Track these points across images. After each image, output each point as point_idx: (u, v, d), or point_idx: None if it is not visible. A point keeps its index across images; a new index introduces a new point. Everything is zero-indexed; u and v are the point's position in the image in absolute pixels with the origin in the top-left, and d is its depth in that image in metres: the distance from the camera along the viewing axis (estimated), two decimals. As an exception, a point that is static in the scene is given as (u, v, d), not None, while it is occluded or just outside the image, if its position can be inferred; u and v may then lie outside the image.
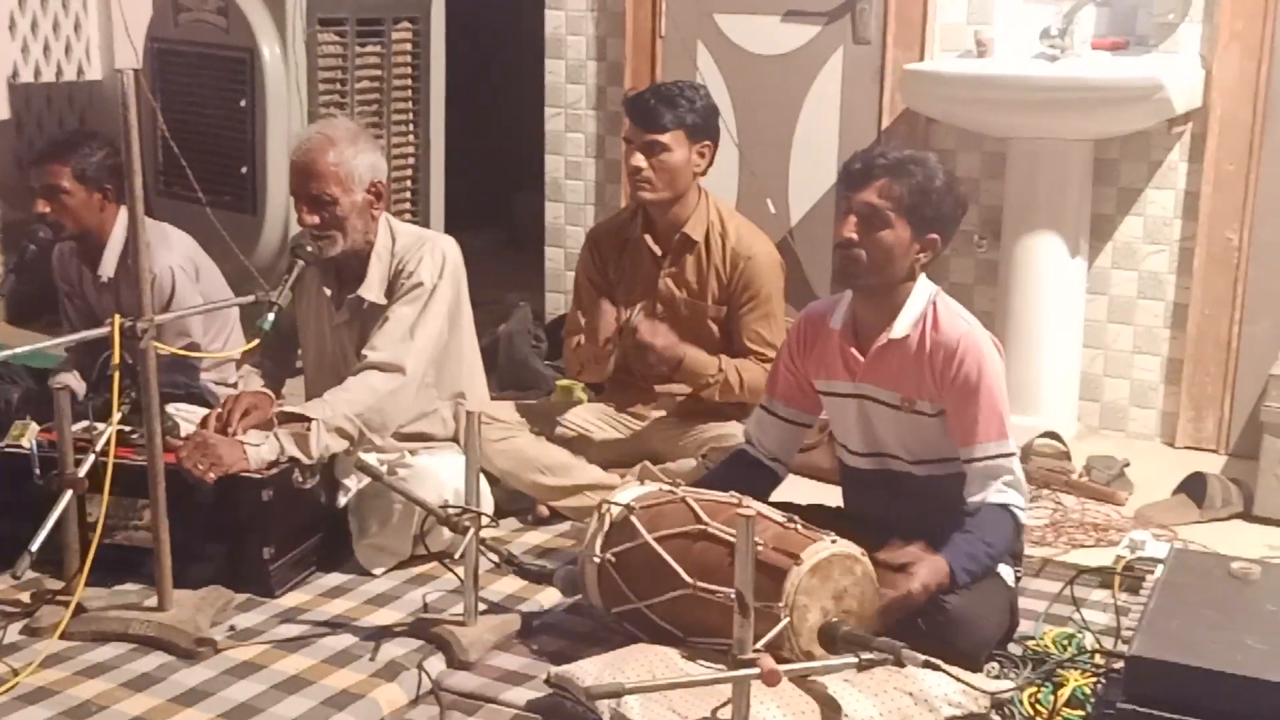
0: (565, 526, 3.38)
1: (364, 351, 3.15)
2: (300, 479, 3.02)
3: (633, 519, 2.66)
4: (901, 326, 2.70)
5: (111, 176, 3.51)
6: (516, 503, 3.44)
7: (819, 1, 4.20)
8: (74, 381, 3.57)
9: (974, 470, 2.65)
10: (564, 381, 4.03)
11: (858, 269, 2.67)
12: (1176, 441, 4.00)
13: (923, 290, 2.73)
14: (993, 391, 2.64)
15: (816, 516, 2.65)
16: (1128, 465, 3.68)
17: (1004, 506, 2.63)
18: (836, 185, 2.81)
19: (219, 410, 3.11)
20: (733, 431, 3.35)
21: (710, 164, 3.43)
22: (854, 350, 2.77)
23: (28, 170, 3.60)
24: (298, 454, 2.98)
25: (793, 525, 2.52)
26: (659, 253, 3.46)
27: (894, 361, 2.72)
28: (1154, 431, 4.05)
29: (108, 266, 3.63)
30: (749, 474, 2.91)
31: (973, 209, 4.15)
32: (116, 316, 2.63)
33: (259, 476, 2.93)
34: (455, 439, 3.33)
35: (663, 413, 3.52)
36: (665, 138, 3.32)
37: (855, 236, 2.64)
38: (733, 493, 2.68)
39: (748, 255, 3.39)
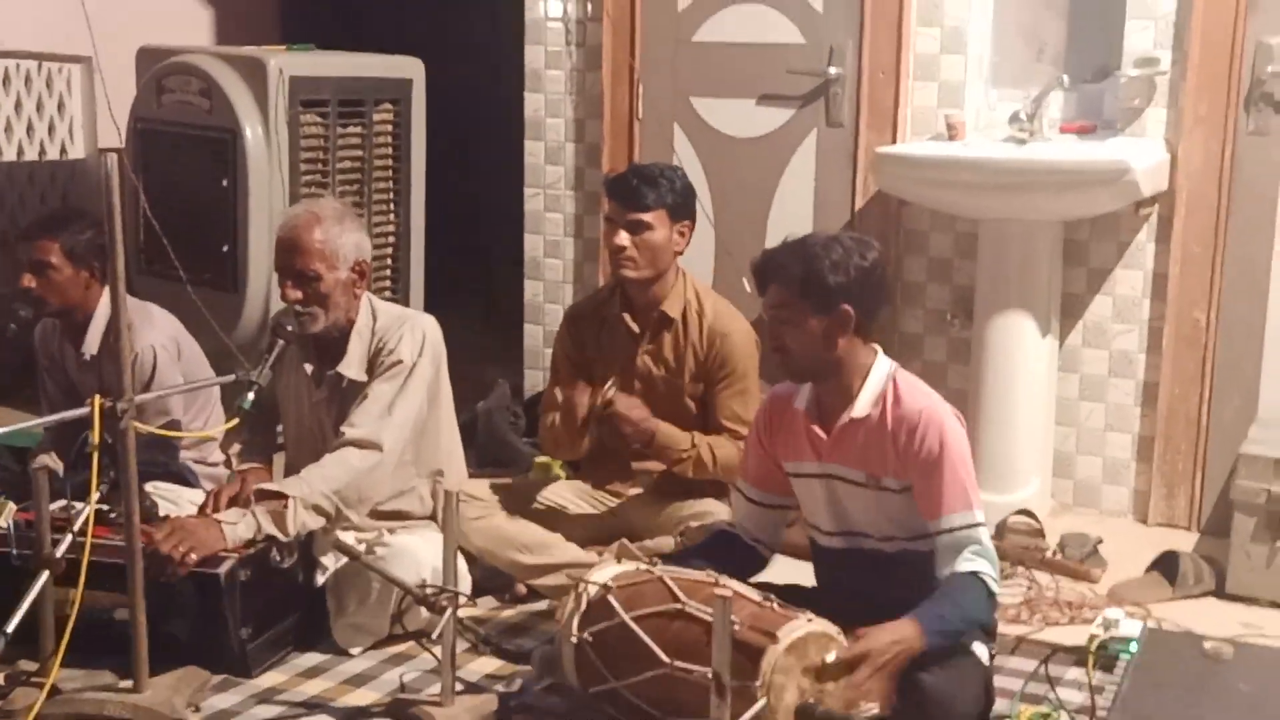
0: (542, 605, 3.38)
1: (342, 428, 3.17)
2: (278, 557, 3.02)
3: (610, 598, 2.67)
4: (862, 405, 2.74)
5: (99, 255, 3.54)
6: (494, 581, 3.45)
7: (793, 85, 4.28)
8: (51, 460, 3.57)
9: (942, 542, 2.66)
10: (541, 459, 4.03)
11: (788, 366, 2.76)
12: (1149, 519, 4.04)
13: (881, 368, 2.76)
14: (956, 463, 2.67)
15: (793, 596, 2.66)
16: (1101, 542, 3.71)
17: (973, 574, 2.64)
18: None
19: (223, 492, 3.12)
20: (710, 509, 3.37)
21: (688, 243, 3.49)
22: (818, 430, 2.79)
23: (15, 244, 3.63)
24: (275, 532, 2.98)
25: (769, 604, 2.53)
26: (637, 330, 3.50)
27: (858, 439, 2.75)
28: (1126, 508, 4.09)
29: (91, 344, 3.64)
30: (732, 555, 2.91)
31: (945, 288, 4.22)
32: (97, 397, 2.64)
33: (236, 556, 2.93)
34: (433, 517, 3.34)
35: (640, 490, 3.54)
36: (648, 217, 3.37)
37: (774, 341, 2.74)
38: (709, 571, 2.69)
39: (724, 333, 3.43)
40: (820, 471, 2.81)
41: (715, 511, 3.36)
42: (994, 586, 2.67)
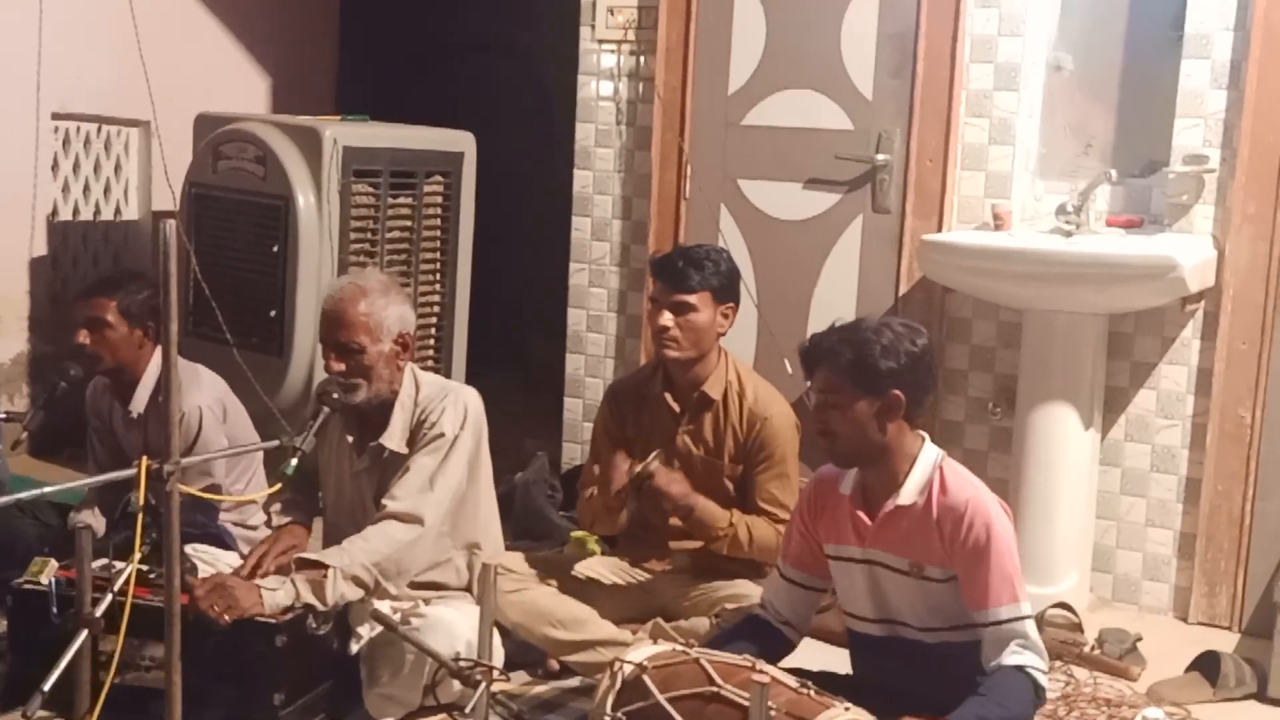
0: (575, 682, 3.37)
1: (384, 500, 3.18)
2: (314, 625, 3.03)
3: (645, 678, 2.65)
4: (908, 493, 2.73)
5: (153, 315, 3.60)
6: (527, 655, 3.44)
7: (840, 171, 4.32)
8: (93, 519, 3.61)
9: (988, 635, 2.65)
10: (578, 533, 4.02)
11: (834, 450, 2.76)
12: (1190, 617, 3.99)
13: (928, 455, 2.76)
14: (1003, 554, 2.66)
15: (828, 684, 2.64)
16: (1140, 639, 3.66)
17: (1019, 668, 2.61)
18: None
19: (255, 550, 3.14)
20: (745, 591, 3.36)
21: (732, 325, 3.50)
22: (862, 516, 2.79)
23: (73, 303, 3.68)
24: (313, 601, 2.99)
25: (806, 691, 2.51)
26: (678, 410, 3.50)
27: (902, 527, 2.74)
28: (1167, 605, 4.04)
29: (139, 403, 3.69)
30: (761, 639, 2.90)
31: (987, 377, 4.22)
32: (144, 459, 2.66)
33: (273, 621, 2.94)
34: (468, 589, 3.34)
35: (675, 568, 3.53)
36: (693, 298, 3.39)
37: (821, 424, 2.74)
38: (746, 655, 2.68)
39: (765, 416, 3.43)
40: (863, 557, 2.80)
41: (750, 594, 3.34)
42: (1041, 680, 2.64)
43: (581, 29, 4.71)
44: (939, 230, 4.17)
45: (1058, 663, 3.57)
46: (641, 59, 4.63)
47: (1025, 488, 3.90)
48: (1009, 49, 4.11)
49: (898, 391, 2.69)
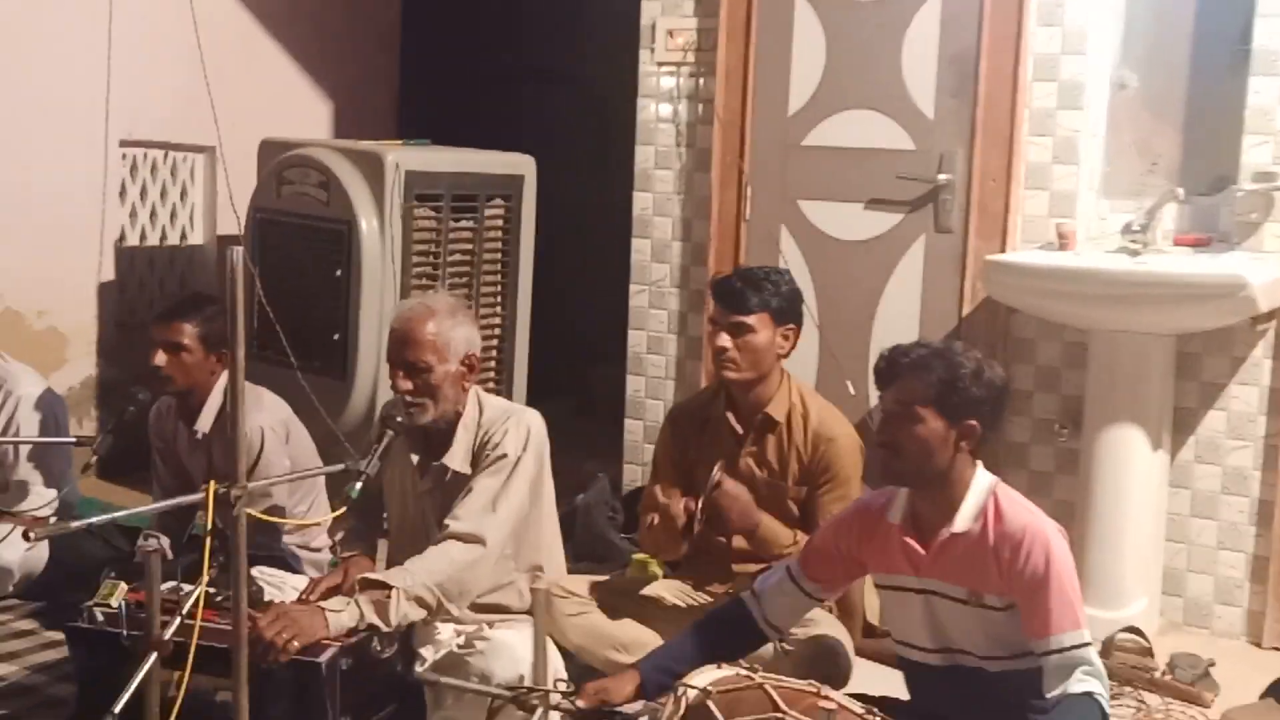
0: (638, 705, 3.34)
1: (446, 521, 3.18)
2: (378, 647, 3.03)
3: (709, 704, 2.62)
4: (963, 520, 2.69)
5: (228, 342, 3.62)
6: (590, 679, 3.42)
7: (902, 191, 4.29)
8: (160, 542, 3.64)
9: (1050, 663, 2.60)
10: (640, 556, 4.02)
11: (895, 465, 2.70)
12: (1264, 641, 3.92)
13: (981, 482, 2.72)
14: (1063, 581, 2.61)
15: (890, 710, 2.61)
16: (1213, 664, 3.60)
17: (1087, 694, 2.57)
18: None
19: (324, 581, 3.16)
20: (810, 615, 3.33)
21: (794, 347, 3.49)
22: (915, 544, 2.74)
23: (151, 325, 3.74)
24: (377, 622, 2.99)
25: (872, 717, 2.49)
26: (740, 432, 3.49)
27: (958, 555, 2.70)
28: (1240, 630, 3.97)
29: (204, 423, 3.73)
30: (735, 632, 2.90)
31: (1052, 398, 4.17)
32: (212, 483, 2.68)
33: (338, 644, 2.95)
34: (530, 611, 3.34)
35: (738, 591, 3.51)
36: (750, 320, 3.38)
37: (889, 436, 2.68)
38: (812, 681, 2.65)
39: (830, 438, 3.41)
40: (918, 587, 2.76)
41: (815, 617, 3.31)
42: (1107, 706, 2.60)
43: (641, 52, 4.72)
44: (1002, 250, 4.13)
45: (1128, 689, 3.52)
46: (701, 81, 4.63)
47: (1093, 510, 3.85)
48: (1072, 67, 4.08)
49: (975, 422, 2.65)
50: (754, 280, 3.43)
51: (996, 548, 2.65)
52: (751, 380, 3.42)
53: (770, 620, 2.92)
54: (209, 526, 2.64)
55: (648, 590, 3.54)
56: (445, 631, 3.12)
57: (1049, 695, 2.59)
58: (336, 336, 4.51)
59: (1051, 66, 4.09)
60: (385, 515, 3.52)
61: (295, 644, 2.90)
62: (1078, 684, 2.57)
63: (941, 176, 4.23)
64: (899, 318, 4.30)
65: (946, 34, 4.21)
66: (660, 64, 4.70)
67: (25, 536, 2.51)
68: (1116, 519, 3.83)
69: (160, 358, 3.66)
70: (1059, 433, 4.13)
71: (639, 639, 3.39)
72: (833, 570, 2.89)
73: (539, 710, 2.69)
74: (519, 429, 3.27)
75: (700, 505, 3.35)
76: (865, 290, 4.39)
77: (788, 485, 3.43)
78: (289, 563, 3.65)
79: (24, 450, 3.93)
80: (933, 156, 4.25)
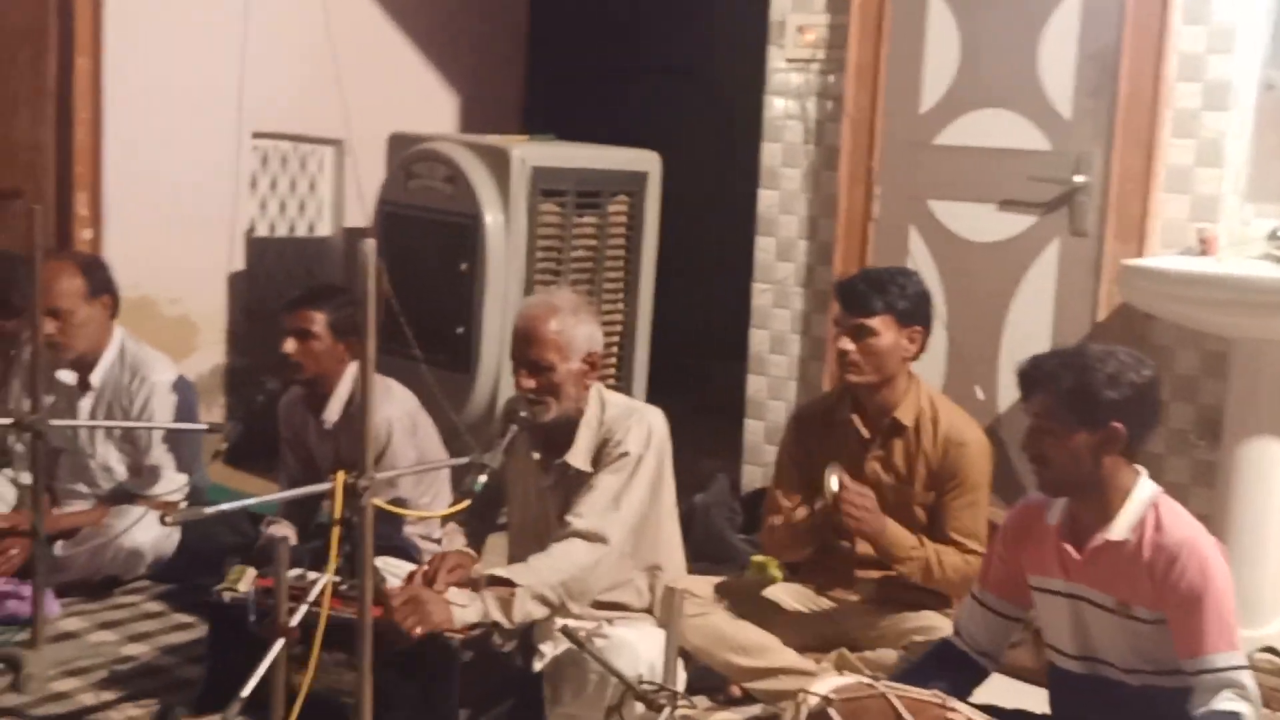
0: (757, 710, 3.32)
1: (569, 518, 3.18)
2: (499, 642, 3.04)
3: (831, 711, 2.59)
4: (1120, 528, 2.64)
5: (357, 330, 3.66)
6: (708, 680, 3.40)
7: (1036, 192, 4.19)
8: (285, 529, 3.70)
9: (1201, 683, 2.54)
10: (759, 557, 3.99)
11: (1045, 476, 2.68)
12: None
13: (1143, 491, 2.66)
14: (1220, 599, 2.55)
15: (1023, 724, 2.56)
16: (1355, 688, 3.47)
17: (1234, 714, 2.50)
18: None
19: (425, 568, 3.16)
20: (933, 623, 3.28)
21: (922, 350, 3.42)
22: (1070, 548, 2.71)
23: (282, 313, 3.79)
24: (501, 618, 3.00)
25: (1002, 732, 2.43)
26: (866, 435, 3.44)
27: (1112, 563, 2.65)
28: (1384, 653, 3.81)
29: (332, 413, 3.77)
30: (954, 668, 2.84)
31: (1190, 408, 4.04)
32: (340, 473, 2.70)
33: (461, 637, 2.96)
34: (649, 610, 3.33)
35: (862, 598, 3.46)
36: (873, 322, 3.32)
37: (1034, 449, 2.66)
38: (936, 691, 2.60)
39: (960, 443, 3.35)
40: (1067, 591, 2.71)
41: (938, 626, 3.26)
42: (1254, 731, 2.52)
43: (769, 48, 4.67)
44: (1140, 255, 4.01)
45: (1266, 711, 3.39)
46: (830, 77, 4.57)
47: (1231, 524, 3.72)
48: (1219, 67, 3.94)
49: (1118, 424, 2.59)
50: (878, 282, 3.38)
51: (1152, 559, 2.60)
52: (875, 384, 3.37)
53: (978, 648, 2.88)
54: (338, 517, 2.66)
55: (767, 593, 3.50)
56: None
57: (1194, 712, 2.52)
58: (460, 330, 4.53)
59: (1197, 66, 3.96)
60: (504, 510, 3.53)
61: (420, 630, 2.92)
62: (1226, 703, 2.50)
63: (1078, 178, 4.12)
64: (1030, 322, 4.21)
65: (1086, 31, 4.09)
66: (789, 60, 4.64)
67: (162, 520, 2.55)
68: (1256, 533, 3.70)
69: (291, 345, 3.71)
70: (1195, 444, 4.00)
71: (758, 642, 3.36)
72: (1007, 578, 2.84)
73: (666, 710, 2.67)
74: (641, 427, 3.26)
75: (821, 509, 3.31)
76: (996, 293, 4.29)
77: (915, 490, 3.37)
78: (410, 553, 3.67)
79: (157, 435, 4.01)
80: (1069, 157, 4.14)
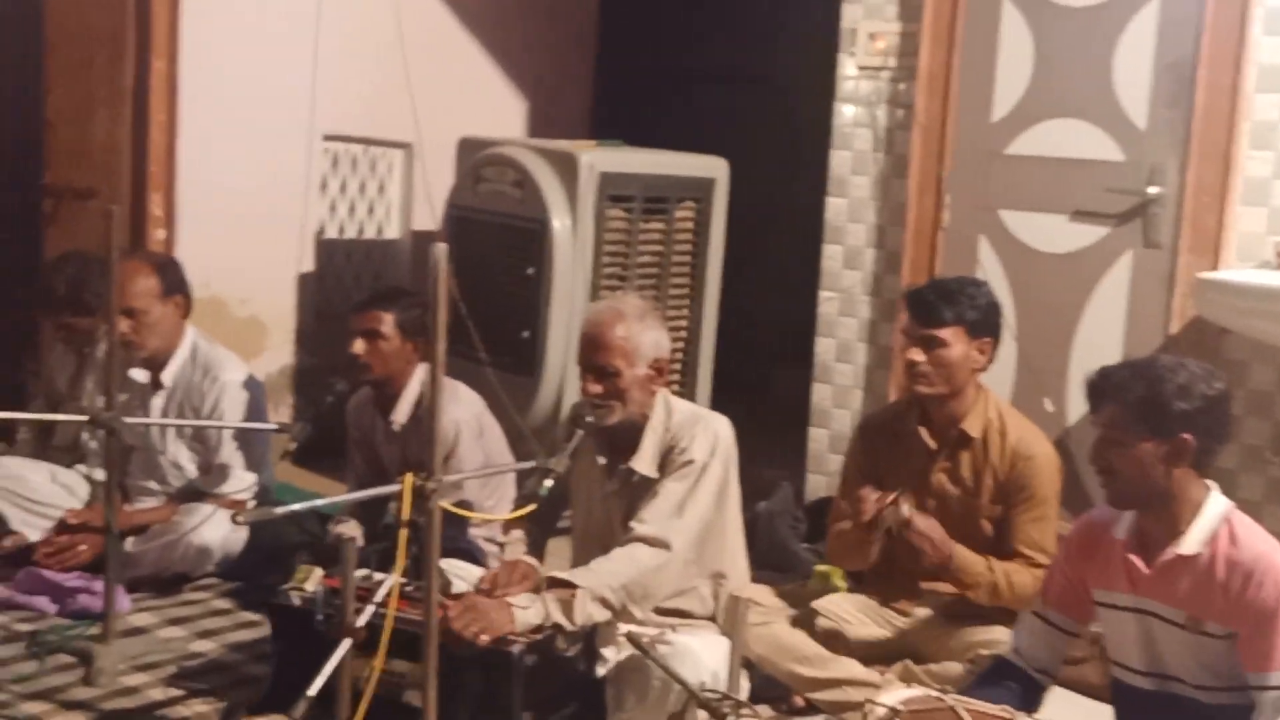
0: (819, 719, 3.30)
1: (632, 524, 3.18)
2: (562, 646, 3.04)
3: (897, 722, 2.57)
4: (1192, 542, 2.60)
5: (424, 331, 3.70)
6: (770, 689, 3.39)
7: (1110, 203, 4.15)
8: (352, 528, 3.72)
9: (1265, 700, 2.51)
10: (822, 566, 3.97)
11: (1113, 489, 2.65)
12: None
13: (1215, 505, 2.62)
14: None
15: (1092, 741, 2.53)
16: None
17: None
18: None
19: (494, 573, 3.17)
20: (1000, 638, 3.23)
21: (991, 361, 3.39)
22: (1138, 561, 2.67)
23: (351, 314, 3.83)
24: (562, 620, 3.01)
25: (1070, 749, 2.40)
26: (933, 447, 3.41)
27: (1182, 578, 2.61)
28: None
29: (401, 415, 3.80)
30: (1014, 685, 2.81)
31: (1265, 424, 3.98)
32: (409, 476, 2.72)
33: (524, 640, 2.97)
34: (713, 618, 3.32)
35: (927, 611, 3.43)
36: (943, 333, 3.30)
37: (1101, 461, 2.64)
38: (1006, 706, 2.58)
39: (1028, 455, 3.31)
40: (1134, 605, 2.68)
41: (1006, 640, 3.21)
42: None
43: (840, 55, 4.66)
44: (1215, 268, 3.96)
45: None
46: (901, 85, 4.54)
47: (1305, 543, 3.65)
48: (1298, 78, 3.89)
49: (1188, 435, 2.56)
50: (948, 292, 3.35)
51: (1226, 575, 2.56)
52: (944, 395, 3.34)
53: (1037, 665, 2.85)
54: (405, 519, 2.68)
55: (828, 603, 3.47)
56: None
57: (1257, 729, 2.48)
58: (526, 334, 4.55)
59: (1276, 78, 3.90)
60: (567, 514, 3.53)
61: (484, 638, 2.93)
62: (1289, 722, 2.46)
63: (1152, 189, 4.07)
64: (1101, 334, 4.16)
65: (1163, 42, 4.05)
66: (861, 68, 4.62)
67: (234, 519, 2.57)
68: (1331, 554, 3.63)
69: (359, 346, 3.74)
70: (1271, 460, 3.94)
71: (821, 653, 3.34)
72: (1070, 593, 2.82)
73: (729, 718, 2.66)
74: (707, 434, 3.26)
75: (884, 531, 3.27)
76: (1067, 305, 4.25)
77: (982, 503, 3.34)
78: (475, 556, 3.69)
79: (226, 434, 4.05)
80: (1143, 168, 4.09)
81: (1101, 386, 2.65)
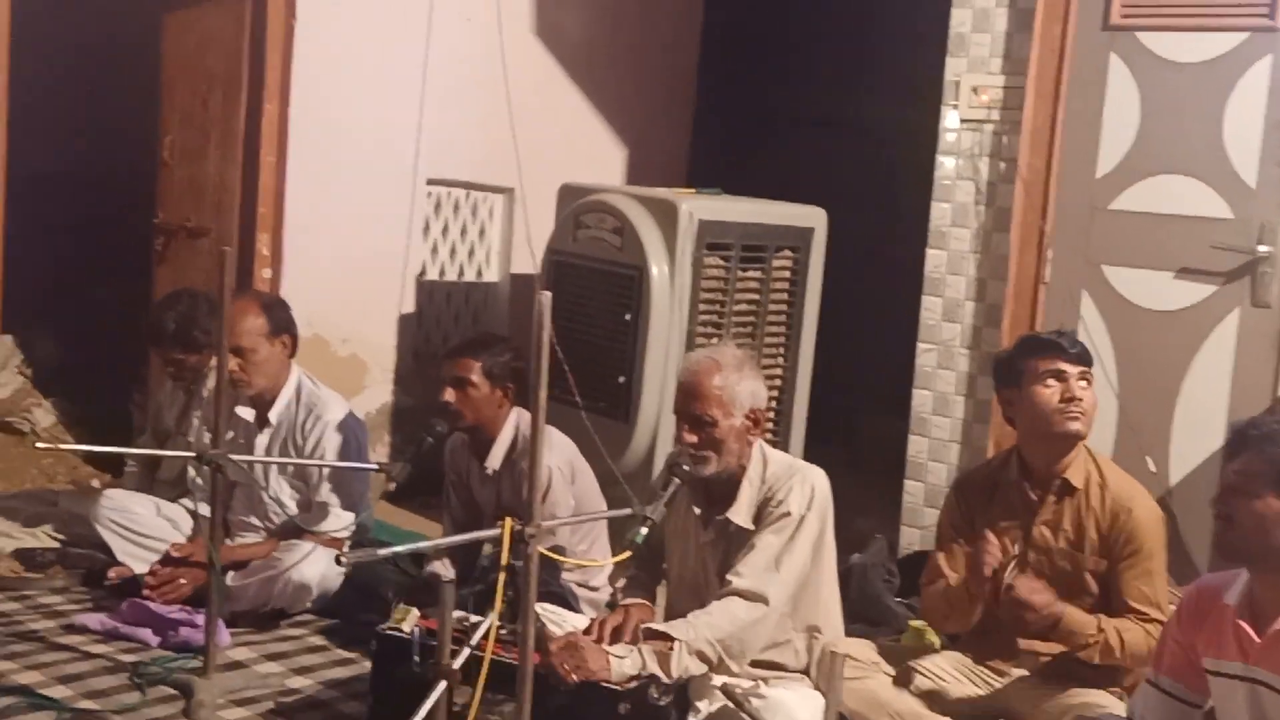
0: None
1: (729, 576, 3.18)
2: (655, 695, 3.04)
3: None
4: None
5: (513, 377, 3.77)
6: (863, 746, 3.35)
7: (1217, 260, 4.09)
8: (445, 569, 3.76)
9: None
10: (916, 622, 3.93)
11: (1227, 537, 2.59)
12: None
13: None
14: None
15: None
16: None
17: None
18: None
19: (604, 619, 3.19)
20: (1100, 701, 3.17)
21: None
22: (1249, 629, 2.60)
23: (441, 361, 3.89)
24: (658, 672, 3.01)
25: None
26: (1034, 498, 3.36)
27: (1296, 649, 2.54)
28: None
29: (495, 459, 3.84)
30: None
31: (1377, 489, 3.87)
32: (508, 520, 2.74)
33: (618, 688, 2.97)
34: (806, 671, 3.30)
35: (1024, 671, 3.37)
36: (1090, 372, 3.30)
37: (1223, 507, 2.58)
38: (1106, 774, 2.53)
39: (1128, 507, 3.25)
40: (1245, 675, 2.60)
41: (1106, 704, 3.15)
42: None
43: (943, 108, 4.65)
44: (1325, 328, 3.89)
45: None
46: (1004, 138, 4.52)
47: None
48: None
49: None
50: (1071, 338, 3.35)
51: None
52: (1082, 436, 3.30)
53: None
54: (505, 562, 2.70)
55: (925, 663, 3.43)
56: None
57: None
58: (622, 379, 4.57)
59: (1390, 137, 3.84)
60: (665, 564, 3.54)
61: (576, 677, 2.94)
62: None
63: (1261, 248, 4.01)
64: (1206, 394, 4.10)
65: (1274, 99, 4.00)
66: (964, 120, 4.61)
67: (337, 561, 2.61)
68: None
69: (450, 394, 3.80)
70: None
71: (915, 709, 3.30)
72: (1185, 662, 2.75)
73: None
74: (804, 487, 3.25)
75: (991, 589, 3.23)
76: (1171, 363, 4.19)
77: (1085, 555, 3.29)
78: (568, 600, 3.71)
79: (327, 473, 4.11)
80: (1252, 226, 4.03)
81: (1246, 434, 2.61)
